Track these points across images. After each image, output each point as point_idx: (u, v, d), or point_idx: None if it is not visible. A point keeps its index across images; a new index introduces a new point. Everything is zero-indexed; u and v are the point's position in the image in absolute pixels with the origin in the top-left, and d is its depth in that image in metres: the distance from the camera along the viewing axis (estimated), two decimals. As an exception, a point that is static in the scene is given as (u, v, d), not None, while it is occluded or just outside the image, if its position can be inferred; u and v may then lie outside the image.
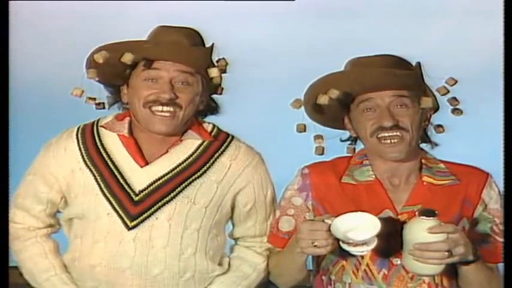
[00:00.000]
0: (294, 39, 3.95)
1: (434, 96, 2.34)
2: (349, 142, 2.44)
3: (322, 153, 2.39)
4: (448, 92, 2.34)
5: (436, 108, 2.37)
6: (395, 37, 3.74)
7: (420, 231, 2.14)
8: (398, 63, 2.32)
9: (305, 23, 3.96)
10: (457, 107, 2.35)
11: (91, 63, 2.37)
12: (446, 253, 2.12)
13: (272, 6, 3.82)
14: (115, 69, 2.38)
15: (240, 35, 3.72)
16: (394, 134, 2.28)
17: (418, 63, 2.33)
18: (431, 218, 2.13)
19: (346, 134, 2.44)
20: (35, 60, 3.80)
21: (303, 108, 2.37)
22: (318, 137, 2.39)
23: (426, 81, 2.32)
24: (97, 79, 2.40)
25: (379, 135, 2.29)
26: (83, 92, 2.42)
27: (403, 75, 2.28)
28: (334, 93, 2.29)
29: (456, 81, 2.33)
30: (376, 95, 2.29)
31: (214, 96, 2.48)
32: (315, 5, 3.94)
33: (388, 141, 2.28)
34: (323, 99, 2.30)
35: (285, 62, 3.87)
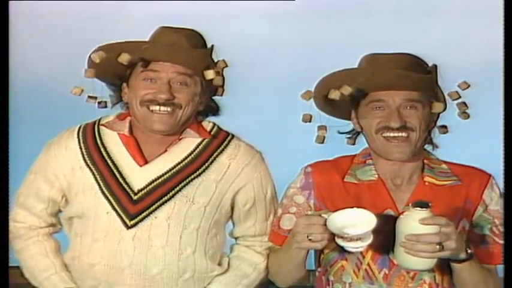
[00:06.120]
0: (293, 39, 3.95)
1: (444, 97, 2.33)
2: (349, 135, 2.44)
3: (322, 142, 2.39)
4: (460, 97, 2.33)
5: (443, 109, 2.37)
6: (395, 37, 3.74)
7: (412, 222, 2.12)
8: (414, 63, 2.31)
9: (305, 23, 3.96)
10: (465, 111, 2.35)
11: (89, 63, 2.38)
12: (438, 246, 2.10)
13: (272, 6, 3.82)
14: (113, 69, 2.38)
15: (240, 35, 3.72)
16: (401, 134, 2.28)
17: (434, 66, 2.32)
18: (424, 209, 2.12)
19: (349, 126, 2.44)
20: (35, 60, 3.80)
21: (308, 100, 2.36)
22: (322, 127, 2.39)
23: (439, 83, 2.32)
24: (97, 78, 2.41)
25: (384, 134, 2.29)
26: (82, 91, 2.43)
27: (417, 79, 2.27)
28: (347, 89, 2.28)
29: (469, 86, 2.33)
30: (388, 94, 2.28)
31: (215, 97, 2.48)
32: (315, 4, 3.94)
33: (395, 141, 2.28)
34: (335, 95, 2.30)
35: (285, 62, 3.87)
